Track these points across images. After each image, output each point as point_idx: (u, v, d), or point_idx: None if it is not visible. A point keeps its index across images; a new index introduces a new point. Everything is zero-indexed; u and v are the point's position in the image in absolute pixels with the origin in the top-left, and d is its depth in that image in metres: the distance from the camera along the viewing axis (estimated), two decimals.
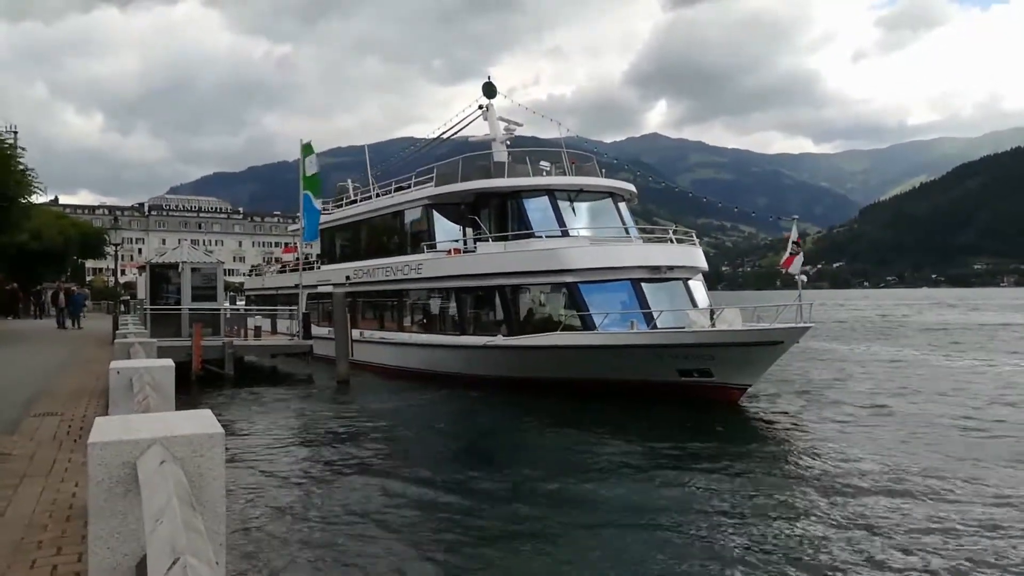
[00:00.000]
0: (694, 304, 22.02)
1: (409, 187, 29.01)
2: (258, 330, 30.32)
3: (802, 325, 18.98)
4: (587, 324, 20.88)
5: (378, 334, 28.41)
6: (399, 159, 39.78)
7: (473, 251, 24.64)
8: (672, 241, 23.98)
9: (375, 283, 29.18)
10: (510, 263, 22.88)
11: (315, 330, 29.62)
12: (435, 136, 34.30)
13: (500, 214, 24.72)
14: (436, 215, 26.45)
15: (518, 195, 24.26)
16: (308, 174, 29.10)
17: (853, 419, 18.11)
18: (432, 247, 26.17)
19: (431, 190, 26.51)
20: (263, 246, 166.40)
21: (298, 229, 40.05)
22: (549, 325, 21.96)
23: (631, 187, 26.21)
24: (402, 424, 18.57)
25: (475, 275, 23.80)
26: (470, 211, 25.39)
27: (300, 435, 17.28)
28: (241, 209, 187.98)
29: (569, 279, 21.51)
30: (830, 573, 8.51)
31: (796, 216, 22.96)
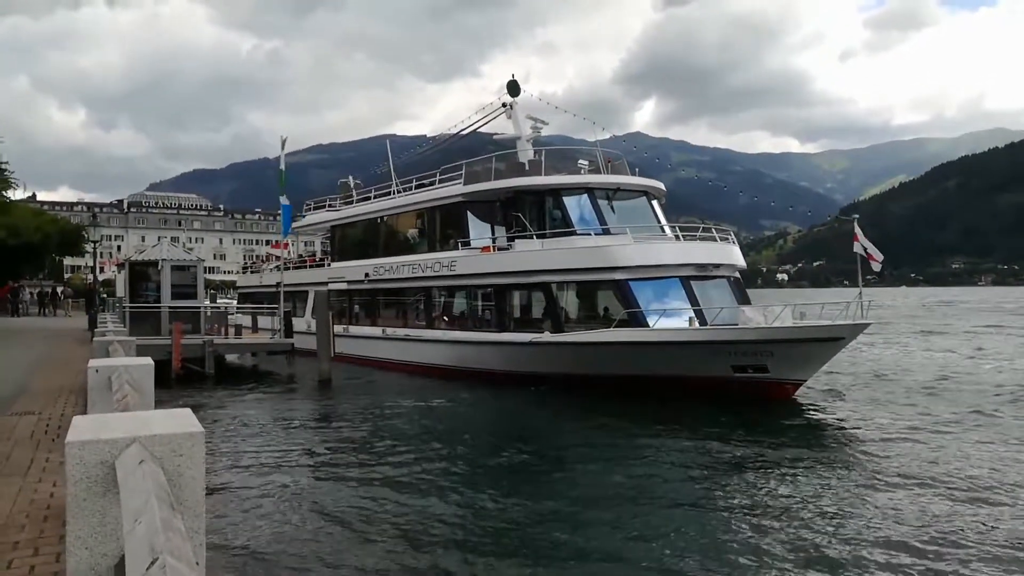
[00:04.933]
0: (740, 301, 22.40)
1: (433, 184, 28.86)
2: (239, 328, 30.16)
3: (863, 322, 19.44)
4: (639, 321, 20.96)
5: (402, 331, 28.27)
6: (415, 155, 39.51)
7: (507, 248, 24.68)
8: (716, 239, 24.25)
9: (400, 280, 28.88)
10: (556, 260, 22.91)
11: None
12: (453, 133, 34.29)
13: (539, 212, 24.73)
14: (470, 212, 26.37)
15: (558, 193, 24.29)
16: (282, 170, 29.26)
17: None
18: (466, 244, 26.08)
19: (466, 187, 26.31)
20: (244, 243, 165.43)
21: (299, 227, 39.87)
22: (598, 322, 22.12)
23: (662, 185, 26.30)
24: (388, 424, 18.44)
25: (518, 272, 23.83)
26: (504, 208, 25.41)
27: (280, 434, 17.15)
28: (222, 206, 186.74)
29: (619, 276, 21.62)
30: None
31: (857, 216, 22.55)
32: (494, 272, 24.56)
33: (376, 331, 29.39)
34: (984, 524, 10.02)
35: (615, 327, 21.23)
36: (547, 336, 22.43)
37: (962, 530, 9.78)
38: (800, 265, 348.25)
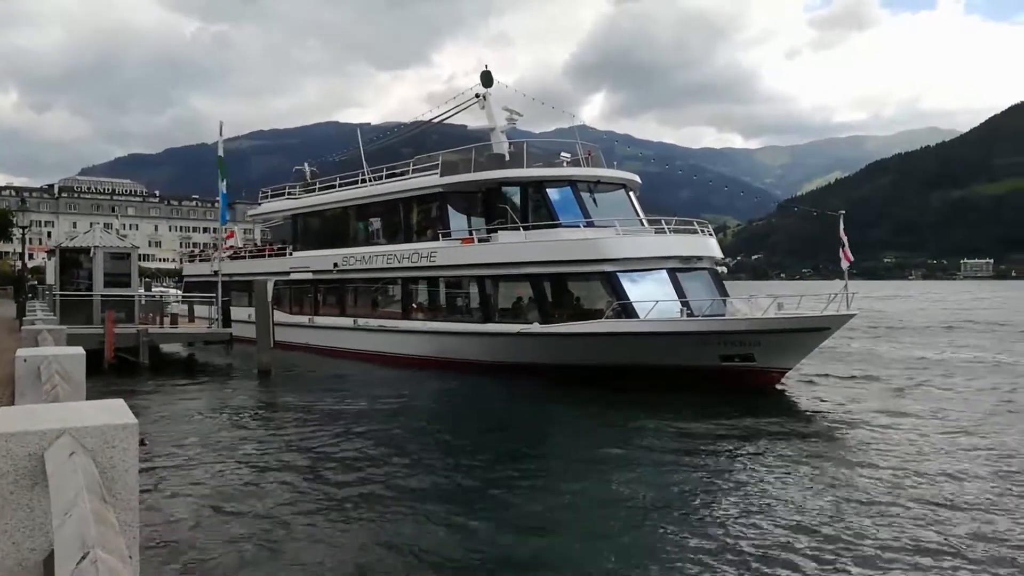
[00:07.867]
0: (720, 292, 22.81)
1: (405, 174, 28.63)
2: (175, 318, 29.51)
3: (848, 312, 19.91)
4: (628, 312, 21.08)
5: (376, 322, 27.96)
6: (371, 144, 39.08)
7: (487, 240, 24.56)
8: (696, 231, 24.50)
9: (375, 270, 28.55)
10: (543, 252, 22.87)
11: (286, 318, 29.31)
12: (423, 121, 34.13)
13: (522, 203, 24.66)
14: (449, 203, 26.21)
15: (541, 185, 24.30)
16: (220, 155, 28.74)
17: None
18: (447, 235, 25.90)
19: (445, 178, 26.06)
20: (181, 231, 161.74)
21: (256, 215, 39.22)
22: (588, 313, 22.20)
23: (638, 179, 26.52)
24: (328, 416, 18.31)
25: (504, 263, 23.73)
26: (485, 200, 25.36)
27: (216, 426, 16.91)
28: (157, 192, 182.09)
29: (608, 268, 21.77)
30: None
31: (843, 211, 23.00)
32: (478, 263, 24.45)
33: (347, 322, 29.03)
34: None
35: (606, 317, 21.40)
36: (536, 327, 22.45)
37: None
38: (739, 258, 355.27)
